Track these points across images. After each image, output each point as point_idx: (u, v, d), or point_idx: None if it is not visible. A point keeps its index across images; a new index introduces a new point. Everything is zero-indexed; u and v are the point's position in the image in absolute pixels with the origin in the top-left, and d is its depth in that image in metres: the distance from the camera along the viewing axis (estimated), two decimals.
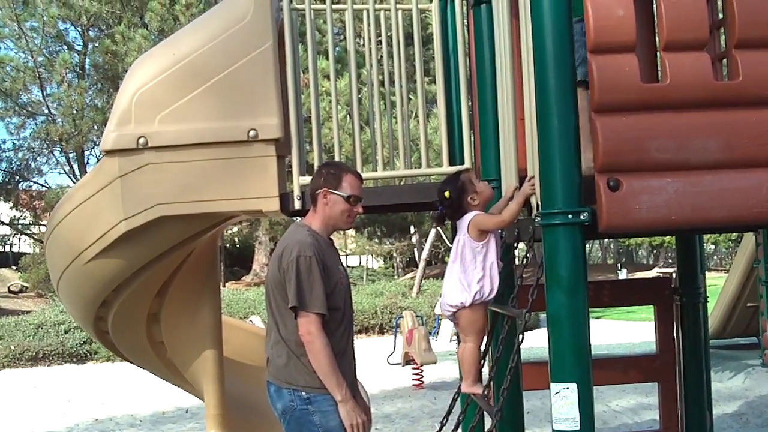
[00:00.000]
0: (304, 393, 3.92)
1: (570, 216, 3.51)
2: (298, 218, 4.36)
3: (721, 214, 3.56)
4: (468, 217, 4.20)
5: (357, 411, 3.95)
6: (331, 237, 4.18)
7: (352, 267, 36.73)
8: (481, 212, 4.22)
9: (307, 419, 3.92)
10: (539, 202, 3.66)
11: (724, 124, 3.57)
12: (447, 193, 4.24)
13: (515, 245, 4.50)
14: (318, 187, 4.08)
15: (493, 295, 4.21)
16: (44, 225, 25.58)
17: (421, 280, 23.52)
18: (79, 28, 27.58)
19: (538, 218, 3.64)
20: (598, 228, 3.51)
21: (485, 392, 4.25)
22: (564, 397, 3.50)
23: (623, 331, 17.30)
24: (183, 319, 5.49)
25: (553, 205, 3.54)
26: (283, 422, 4.02)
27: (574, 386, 3.49)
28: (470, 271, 4.17)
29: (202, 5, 21.85)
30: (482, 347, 4.40)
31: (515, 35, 4.11)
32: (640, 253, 52.69)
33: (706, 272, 5.91)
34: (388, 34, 5.51)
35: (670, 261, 41.30)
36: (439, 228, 24.32)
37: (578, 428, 3.49)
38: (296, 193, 4.84)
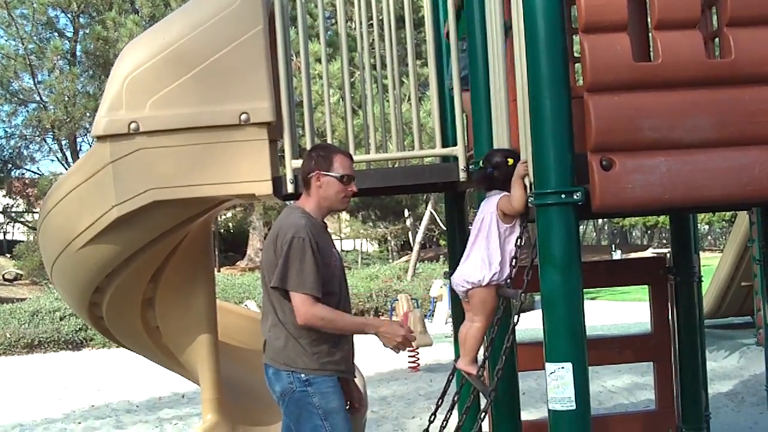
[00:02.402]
0: (303, 375, 3.92)
1: (563, 196, 3.51)
2: (291, 201, 4.34)
3: (714, 192, 3.55)
4: (500, 195, 4.14)
5: (393, 328, 3.99)
6: (325, 221, 4.18)
7: (347, 251, 36.78)
8: (507, 194, 4.13)
9: (307, 401, 3.92)
10: (532, 182, 3.66)
11: (716, 103, 3.56)
12: (511, 161, 4.07)
13: None
14: (310, 171, 4.06)
15: (503, 279, 4.16)
16: (38, 212, 25.50)
17: (415, 263, 23.55)
18: (69, 15, 27.45)
19: (531, 198, 3.63)
20: (591, 208, 3.51)
21: (480, 372, 4.24)
22: (559, 378, 3.50)
23: (618, 311, 17.34)
24: (178, 304, 5.48)
25: (547, 185, 3.54)
26: (281, 404, 4.02)
27: (569, 366, 3.50)
28: (493, 250, 4.12)
29: None
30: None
31: (507, 16, 4.09)
32: (634, 233, 52.82)
33: (701, 252, 5.92)
34: (380, 17, 5.49)
35: (665, 241, 41.45)
36: (433, 210, 24.41)
37: (574, 408, 3.50)
38: (289, 176, 4.83)
